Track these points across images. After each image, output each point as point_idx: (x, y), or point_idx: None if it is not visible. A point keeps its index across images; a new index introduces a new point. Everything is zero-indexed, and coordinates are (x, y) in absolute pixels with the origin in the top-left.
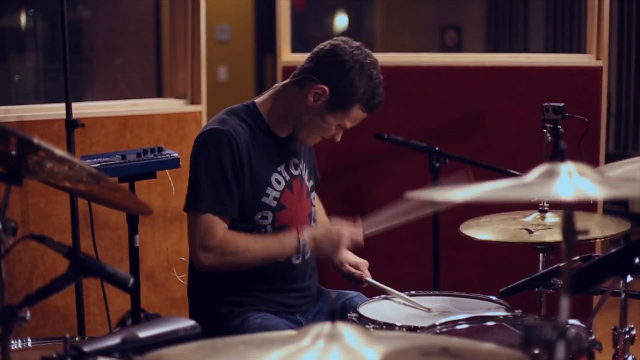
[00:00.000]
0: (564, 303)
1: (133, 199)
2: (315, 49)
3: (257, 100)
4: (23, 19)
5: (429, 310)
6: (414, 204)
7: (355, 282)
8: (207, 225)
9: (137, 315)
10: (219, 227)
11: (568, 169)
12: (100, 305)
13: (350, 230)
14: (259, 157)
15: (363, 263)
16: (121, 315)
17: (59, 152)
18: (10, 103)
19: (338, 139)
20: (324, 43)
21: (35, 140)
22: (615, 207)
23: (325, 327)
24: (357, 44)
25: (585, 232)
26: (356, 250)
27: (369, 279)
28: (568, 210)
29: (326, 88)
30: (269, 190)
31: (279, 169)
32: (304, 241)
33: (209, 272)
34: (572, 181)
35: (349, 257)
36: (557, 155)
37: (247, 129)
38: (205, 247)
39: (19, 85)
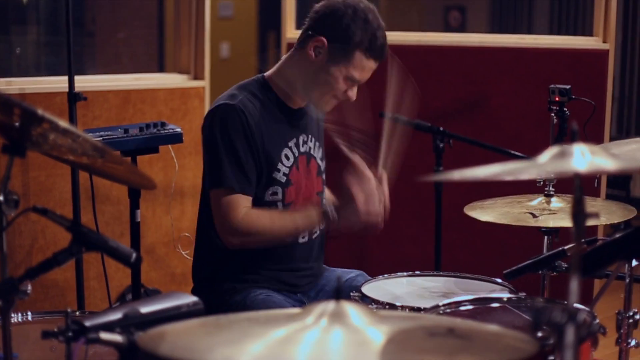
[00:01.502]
0: (574, 285)
1: (137, 173)
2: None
3: (267, 73)
4: None
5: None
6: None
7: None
8: (231, 204)
9: (138, 291)
10: (242, 204)
11: (580, 149)
12: (100, 280)
13: (373, 204)
14: (270, 132)
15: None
16: (121, 290)
17: (63, 124)
18: (12, 75)
19: (353, 96)
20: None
21: (40, 111)
22: (617, 192)
23: (330, 305)
24: None
25: (596, 215)
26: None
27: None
28: (578, 192)
29: (323, 39)
30: (279, 166)
31: (289, 144)
32: (328, 209)
33: (237, 249)
34: (585, 159)
35: None
36: (566, 136)
37: (258, 104)
38: (231, 225)
39: (21, 58)
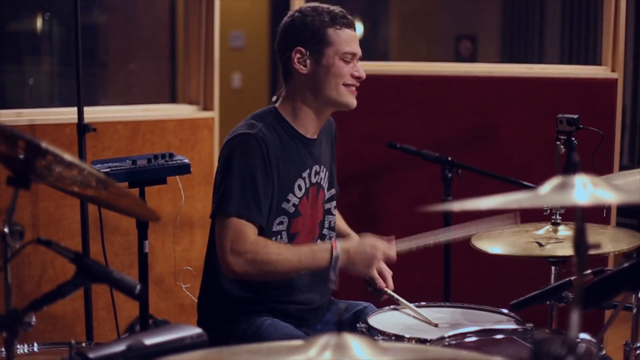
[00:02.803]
0: (575, 317)
1: (141, 205)
2: None
3: (277, 105)
4: (39, 22)
5: (436, 325)
6: (448, 230)
7: (376, 292)
8: (237, 230)
9: (146, 322)
10: (249, 232)
11: (582, 180)
12: (109, 310)
13: (384, 245)
14: (286, 163)
15: (388, 271)
16: (130, 321)
17: (67, 156)
18: (24, 106)
19: (360, 73)
20: None
21: (43, 144)
22: (629, 221)
23: (333, 337)
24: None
25: (597, 245)
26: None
27: (389, 290)
28: (580, 223)
29: (299, 48)
30: (290, 196)
31: (303, 174)
32: (337, 253)
33: (239, 278)
34: (587, 192)
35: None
36: (570, 167)
37: (275, 134)
38: (235, 251)
39: (33, 89)
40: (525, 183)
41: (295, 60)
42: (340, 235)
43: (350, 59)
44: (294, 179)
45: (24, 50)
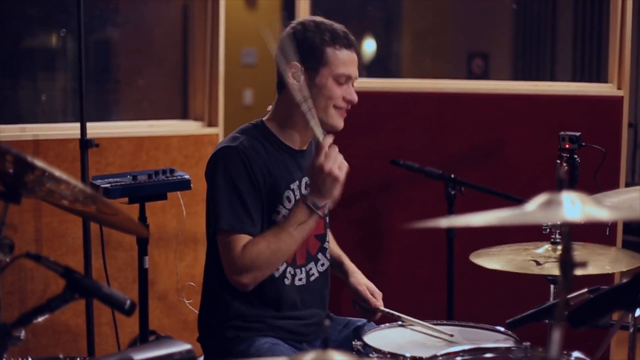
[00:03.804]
0: (555, 336)
1: (131, 221)
2: None
3: (264, 118)
4: (53, 39)
5: (451, 336)
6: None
7: (368, 312)
8: (230, 245)
9: (145, 337)
10: (240, 244)
11: (570, 197)
12: (112, 326)
13: (327, 158)
14: (272, 174)
15: (378, 292)
16: (133, 336)
17: (54, 171)
18: (38, 122)
19: (352, 96)
20: None
21: (29, 158)
22: (635, 239)
23: (317, 354)
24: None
25: (584, 264)
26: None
27: (383, 308)
28: (567, 241)
29: (294, 62)
30: (279, 208)
31: (292, 186)
32: (312, 201)
33: (250, 288)
34: (575, 209)
35: (365, 280)
36: (577, 183)
37: (260, 146)
38: (235, 268)
39: (46, 104)
40: (527, 201)
41: (290, 74)
42: (333, 259)
43: (344, 81)
44: (282, 190)
45: (38, 66)
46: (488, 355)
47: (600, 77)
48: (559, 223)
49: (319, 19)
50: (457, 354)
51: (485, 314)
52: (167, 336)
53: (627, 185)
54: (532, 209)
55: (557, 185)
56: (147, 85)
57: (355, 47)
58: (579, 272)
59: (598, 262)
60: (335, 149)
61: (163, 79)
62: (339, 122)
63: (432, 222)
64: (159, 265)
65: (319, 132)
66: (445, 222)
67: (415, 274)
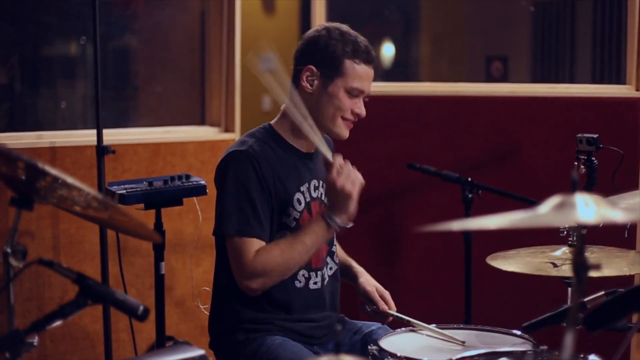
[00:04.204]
0: (568, 339)
1: (143, 226)
2: None
3: (272, 122)
4: (73, 46)
5: (463, 343)
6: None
7: (378, 315)
8: (241, 250)
9: (162, 343)
10: (252, 248)
11: (583, 199)
12: (130, 332)
13: (338, 175)
14: (281, 177)
15: (387, 293)
16: (151, 342)
17: (66, 177)
18: (56, 130)
19: (361, 110)
20: None
21: (40, 165)
22: None
23: (330, 359)
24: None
25: (597, 266)
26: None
27: (393, 312)
28: (580, 243)
29: (311, 67)
30: (290, 210)
31: (302, 188)
32: (328, 216)
33: (259, 293)
34: (587, 210)
35: (374, 282)
36: (595, 186)
37: (268, 149)
38: (246, 273)
39: (65, 112)
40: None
41: (304, 77)
42: (341, 264)
43: (357, 94)
44: (292, 193)
45: (58, 74)
46: (504, 359)
47: (620, 79)
48: (573, 225)
49: (345, 27)
50: (472, 358)
51: (503, 318)
52: (185, 342)
53: None
54: (546, 211)
55: (571, 186)
56: (166, 92)
57: (373, 63)
58: (593, 274)
59: (616, 264)
60: (348, 165)
61: (181, 85)
62: (344, 132)
63: (445, 225)
64: (176, 271)
65: (324, 149)
66: (457, 225)
67: (432, 278)
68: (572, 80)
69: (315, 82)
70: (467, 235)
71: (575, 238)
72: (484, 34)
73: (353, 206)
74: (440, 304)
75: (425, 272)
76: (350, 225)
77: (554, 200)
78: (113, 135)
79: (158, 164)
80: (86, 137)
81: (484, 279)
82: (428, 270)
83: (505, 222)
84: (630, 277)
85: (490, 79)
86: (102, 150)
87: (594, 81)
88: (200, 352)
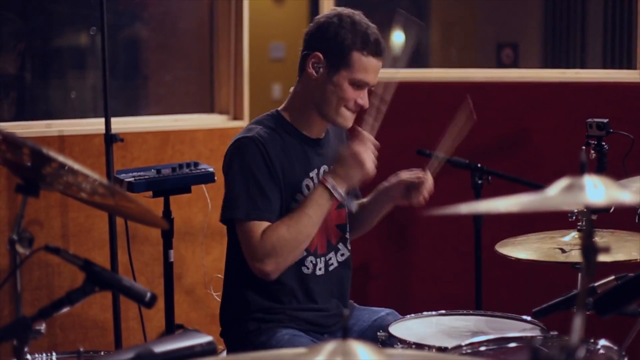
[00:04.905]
0: (577, 322)
1: (149, 213)
2: None
3: (280, 108)
4: (83, 37)
5: None
6: None
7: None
8: (250, 234)
9: (172, 331)
10: (259, 231)
11: (592, 181)
12: (140, 320)
13: (359, 141)
14: (290, 163)
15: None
16: (160, 331)
17: (71, 163)
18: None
19: (364, 102)
20: None
21: (45, 150)
22: None
23: (338, 344)
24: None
25: (606, 249)
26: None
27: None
28: (589, 226)
29: (318, 54)
30: (298, 196)
31: (311, 174)
32: (331, 183)
33: (275, 276)
34: (596, 192)
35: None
36: (605, 171)
37: (276, 136)
38: (257, 256)
39: (75, 102)
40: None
41: (311, 63)
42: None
43: (361, 86)
44: (301, 179)
45: (69, 64)
46: (512, 344)
47: (631, 63)
48: (582, 209)
49: (357, 16)
50: (481, 343)
51: (513, 304)
52: (195, 330)
53: None
54: (554, 194)
55: (580, 169)
56: (175, 80)
57: (382, 56)
58: (603, 258)
59: (626, 249)
60: (371, 138)
61: (190, 73)
62: (347, 122)
63: (454, 209)
64: (186, 259)
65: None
66: (466, 208)
67: (443, 264)
68: (583, 66)
69: (321, 69)
70: (477, 221)
71: (584, 222)
72: (494, 21)
73: (358, 176)
74: (451, 291)
75: (435, 258)
76: (355, 204)
77: (562, 183)
78: (121, 124)
79: (167, 152)
80: (94, 125)
81: (495, 266)
82: (438, 257)
83: (514, 205)
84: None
85: (501, 65)
86: (110, 138)
87: (604, 66)
88: (208, 338)
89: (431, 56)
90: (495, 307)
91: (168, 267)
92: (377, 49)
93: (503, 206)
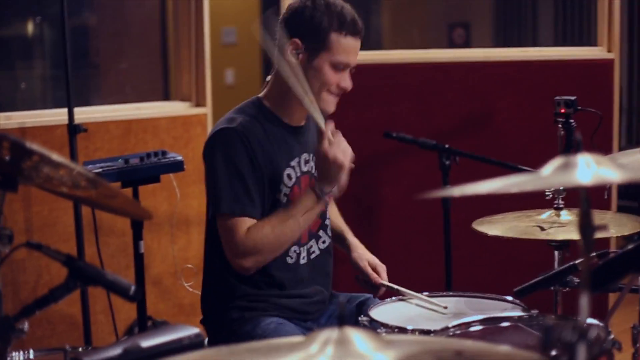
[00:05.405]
0: (584, 302)
1: (133, 204)
2: None
3: (260, 95)
4: (29, 26)
5: (445, 308)
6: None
7: (371, 287)
8: (233, 228)
9: (144, 323)
10: (244, 226)
11: (585, 160)
12: (107, 314)
13: (334, 145)
14: (272, 152)
15: (382, 266)
16: (129, 323)
17: (54, 156)
18: (17, 110)
19: (347, 84)
20: None
21: (27, 143)
22: (629, 203)
23: (334, 332)
24: None
25: (604, 227)
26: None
27: (385, 282)
28: (585, 205)
29: (296, 40)
30: (281, 187)
31: (292, 163)
32: (318, 187)
33: (252, 272)
34: (590, 170)
35: (368, 255)
36: (572, 147)
37: (258, 125)
38: (238, 251)
39: (26, 92)
40: (523, 167)
41: (289, 50)
42: (336, 234)
43: (342, 68)
44: (283, 168)
45: (16, 54)
46: (504, 324)
47: (583, 41)
48: (562, 188)
49: None
50: (469, 324)
51: (485, 284)
52: (163, 321)
53: (622, 149)
54: (548, 173)
55: (574, 147)
56: (128, 68)
57: (360, 35)
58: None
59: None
60: (339, 134)
61: (142, 61)
62: (330, 107)
63: (442, 192)
64: (152, 250)
65: (319, 118)
66: (457, 190)
67: (412, 246)
68: (535, 44)
69: (300, 55)
70: (445, 201)
71: (560, 201)
72: (445, 1)
73: (344, 177)
74: (421, 273)
75: (404, 240)
76: (336, 193)
77: (555, 162)
78: (83, 114)
79: (130, 141)
80: (56, 116)
81: (467, 246)
82: (408, 239)
83: (508, 186)
84: (606, 239)
85: (452, 46)
86: (74, 129)
87: (556, 44)
88: (194, 330)
89: (383, 37)
90: (468, 287)
91: (139, 259)
92: (355, 28)
93: (494, 187)
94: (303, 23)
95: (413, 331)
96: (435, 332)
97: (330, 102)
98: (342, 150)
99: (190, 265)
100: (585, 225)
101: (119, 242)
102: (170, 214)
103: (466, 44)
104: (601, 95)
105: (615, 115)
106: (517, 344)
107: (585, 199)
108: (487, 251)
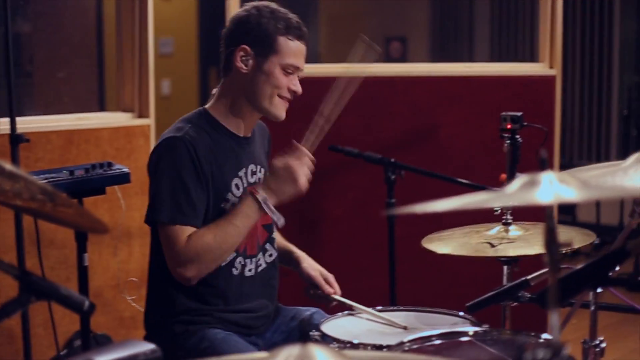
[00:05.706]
0: (554, 320)
1: (88, 217)
2: None
3: (207, 106)
4: None
5: (405, 328)
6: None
7: (322, 299)
8: (173, 238)
9: (87, 338)
10: (184, 237)
11: (548, 178)
12: (47, 326)
13: (296, 157)
14: (219, 163)
15: (331, 276)
16: (69, 336)
17: (8, 166)
18: None
19: (297, 87)
20: None
21: None
22: (563, 217)
23: (295, 349)
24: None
25: (568, 244)
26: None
27: (337, 296)
28: (550, 222)
29: (244, 46)
30: (229, 196)
31: (239, 173)
32: (262, 196)
33: (195, 282)
34: (555, 189)
35: (317, 266)
36: (519, 164)
37: (205, 135)
38: (179, 261)
39: None
40: (468, 182)
41: (238, 57)
42: (282, 251)
43: (292, 71)
44: (231, 178)
45: None
46: (461, 339)
47: (518, 57)
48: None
49: (274, 5)
50: (425, 339)
51: (431, 300)
52: (104, 335)
53: (563, 167)
54: (514, 191)
55: (540, 165)
56: (62, 78)
57: (306, 39)
58: (524, 252)
59: (539, 241)
60: (309, 155)
61: (77, 70)
62: (282, 113)
63: (407, 209)
64: (92, 262)
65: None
66: (420, 208)
67: (356, 261)
68: (471, 59)
69: (250, 61)
70: (390, 216)
71: (509, 216)
72: (381, 15)
73: (292, 193)
74: (365, 287)
75: (349, 254)
76: (282, 219)
77: (521, 180)
78: (24, 124)
79: (72, 152)
80: None
81: (410, 260)
82: (353, 253)
83: (475, 203)
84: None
85: (389, 59)
86: (15, 139)
87: (492, 60)
88: (150, 346)
89: (319, 50)
90: (409, 302)
91: (83, 271)
92: (300, 32)
93: (457, 204)
94: (250, 30)
95: (365, 346)
96: (389, 347)
97: (282, 107)
98: (304, 168)
99: (134, 279)
100: (551, 242)
101: (59, 254)
102: (112, 226)
103: (403, 58)
104: (543, 111)
105: (556, 131)
106: (472, 358)
107: (551, 216)
108: (432, 266)
